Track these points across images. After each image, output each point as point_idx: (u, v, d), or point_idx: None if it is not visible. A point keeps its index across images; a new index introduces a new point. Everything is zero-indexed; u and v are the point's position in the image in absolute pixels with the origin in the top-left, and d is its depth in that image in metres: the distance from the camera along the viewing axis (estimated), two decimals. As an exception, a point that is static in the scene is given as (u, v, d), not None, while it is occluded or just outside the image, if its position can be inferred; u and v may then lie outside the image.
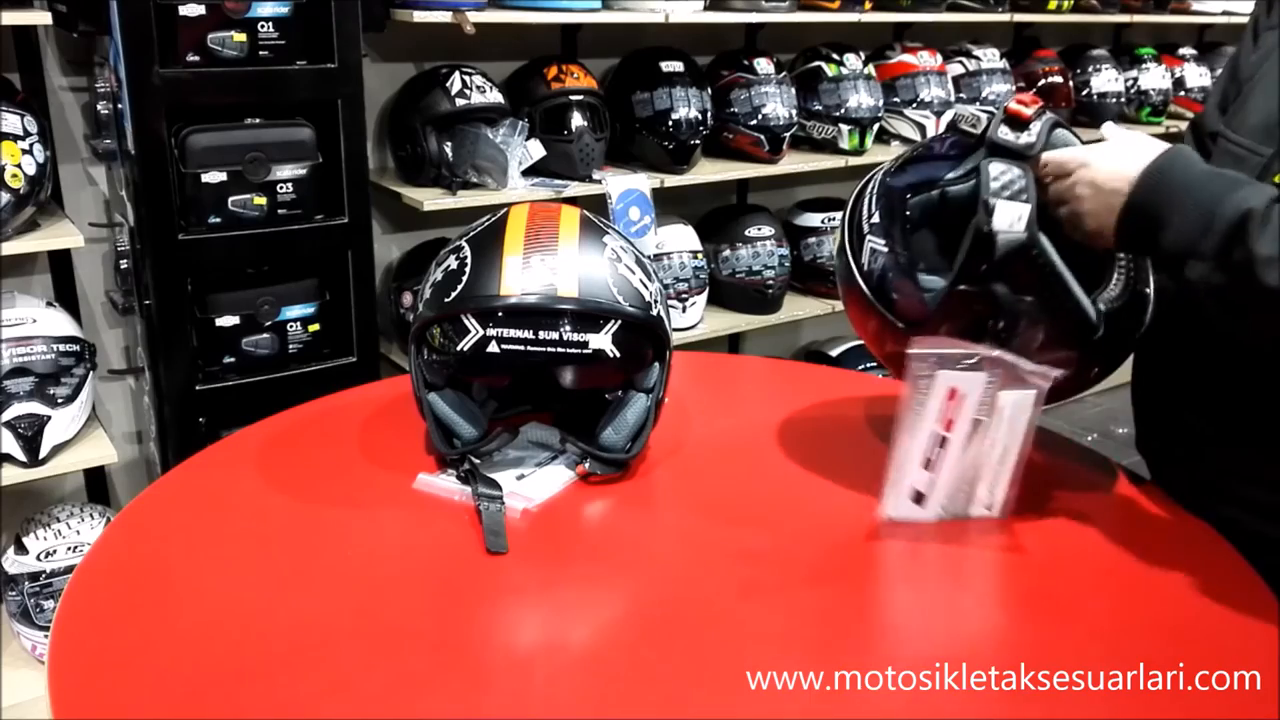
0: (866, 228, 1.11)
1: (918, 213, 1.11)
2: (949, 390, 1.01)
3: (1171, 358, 1.11)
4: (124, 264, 2.19)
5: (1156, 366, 1.15)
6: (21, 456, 1.93)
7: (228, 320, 2.11)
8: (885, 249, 1.09)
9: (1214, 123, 1.14)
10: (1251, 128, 1.04)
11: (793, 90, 2.87)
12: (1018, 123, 1.04)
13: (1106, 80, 3.57)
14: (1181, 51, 3.92)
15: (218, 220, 2.03)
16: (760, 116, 2.79)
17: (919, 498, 1.05)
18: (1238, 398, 1.05)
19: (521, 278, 1.06)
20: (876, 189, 1.13)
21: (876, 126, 3.00)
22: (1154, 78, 3.73)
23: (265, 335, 2.15)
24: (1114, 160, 0.99)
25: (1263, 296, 0.88)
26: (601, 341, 1.07)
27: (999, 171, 1.00)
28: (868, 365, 3.10)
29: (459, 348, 1.06)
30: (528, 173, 2.44)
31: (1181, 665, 0.88)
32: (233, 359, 2.14)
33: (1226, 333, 1.01)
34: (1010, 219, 0.99)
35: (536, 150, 2.42)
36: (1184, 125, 1.27)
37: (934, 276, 1.07)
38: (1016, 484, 1.05)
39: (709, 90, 2.74)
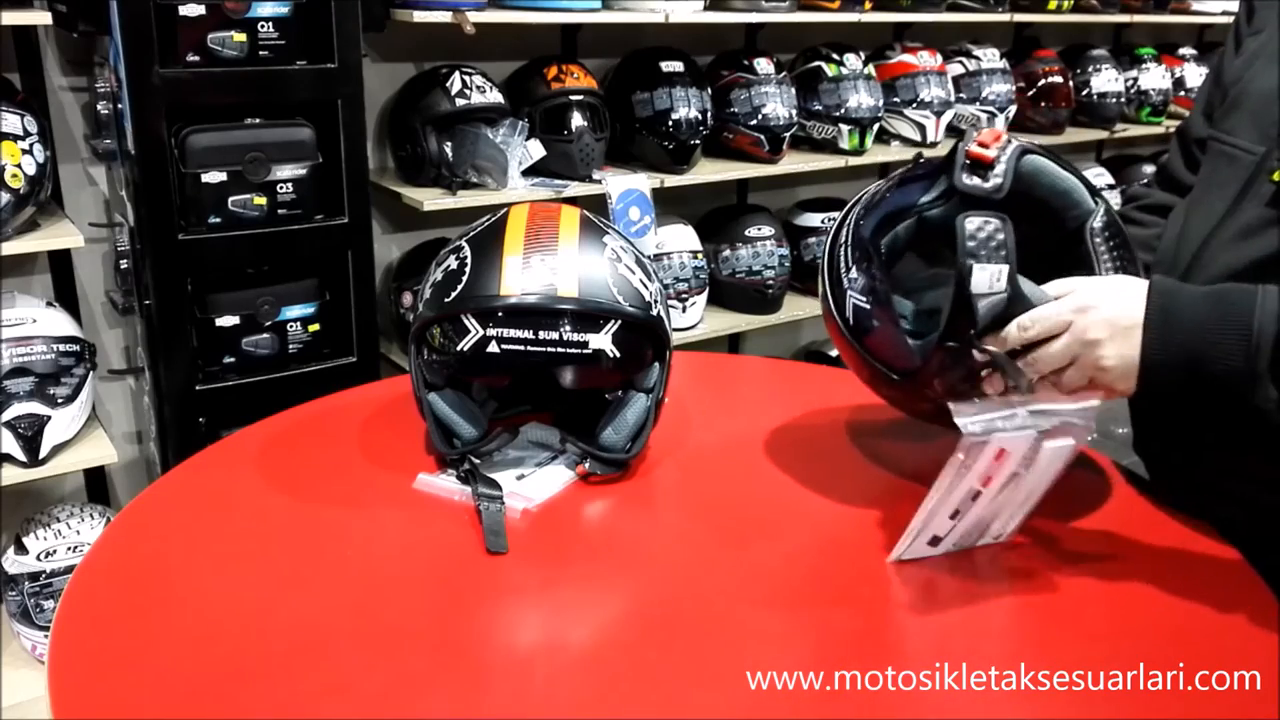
0: (846, 282, 1.08)
1: (900, 243, 1.08)
2: (998, 451, 0.96)
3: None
4: (124, 264, 2.19)
5: None
6: (21, 456, 1.94)
7: (228, 320, 2.11)
8: (867, 305, 1.06)
9: (1200, 129, 1.14)
10: (1244, 128, 1.04)
11: (793, 90, 2.87)
12: (981, 166, 1.00)
13: (1106, 80, 3.57)
14: (1181, 51, 3.92)
15: (218, 220, 2.03)
16: (760, 116, 2.79)
17: (934, 542, 1.01)
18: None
19: (521, 278, 1.06)
20: (851, 238, 1.09)
21: (876, 126, 3.00)
22: (1154, 78, 3.74)
23: (265, 335, 2.15)
24: (1114, 296, 0.94)
25: None
26: (601, 341, 1.07)
27: (974, 228, 0.95)
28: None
29: (459, 348, 1.06)
30: (528, 173, 2.44)
31: (1181, 665, 0.88)
32: (233, 359, 2.14)
33: None
34: (989, 280, 0.96)
35: (536, 150, 2.42)
36: (1176, 129, 1.26)
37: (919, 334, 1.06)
38: (1028, 518, 1.03)
39: (709, 90, 2.74)
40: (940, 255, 1.04)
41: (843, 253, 1.09)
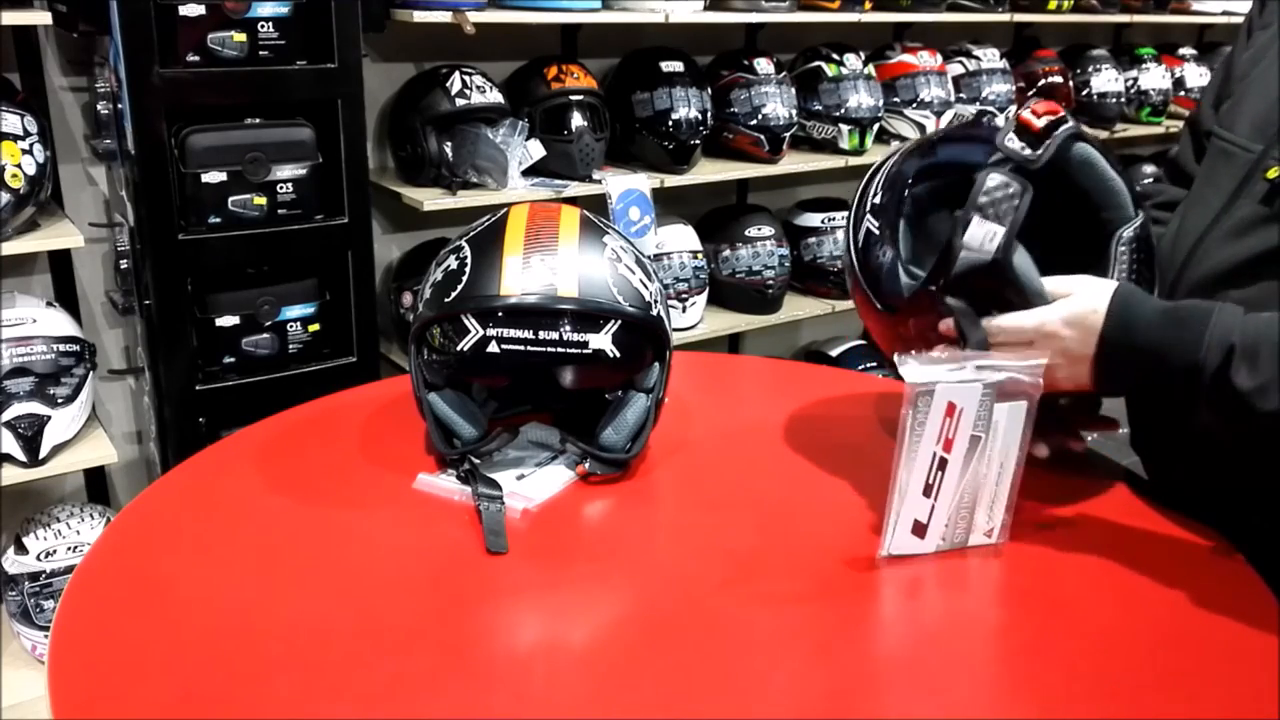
0: (869, 205, 1.10)
1: (934, 198, 1.07)
2: (947, 405, 0.97)
3: None
4: (124, 264, 2.19)
5: None
6: (21, 456, 1.94)
7: (228, 320, 2.11)
8: (877, 231, 1.08)
9: (1209, 121, 1.14)
10: (1243, 125, 1.04)
11: (793, 90, 2.87)
12: (1029, 133, 1.00)
13: (1106, 80, 3.58)
14: (1181, 51, 3.93)
15: (218, 220, 2.03)
16: (760, 116, 2.79)
17: (918, 529, 1.01)
18: None
19: (521, 278, 1.06)
20: (892, 171, 1.10)
21: (876, 126, 3.00)
22: (1154, 78, 3.74)
23: (265, 335, 2.15)
24: (1075, 329, 0.97)
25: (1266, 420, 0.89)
26: (601, 341, 1.07)
27: (992, 184, 0.96)
28: (868, 365, 3.11)
29: (459, 348, 1.06)
30: (528, 173, 2.44)
31: (1181, 666, 0.89)
32: (233, 359, 2.14)
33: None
34: (982, 237, 0.97)
35: (536, 150, 2.43)
36: (1186, 119, 1.26)
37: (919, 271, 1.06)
38: (1012, 507, 1.03)
39: (709, 90, 2.74)
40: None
41: (880, 179, 1.11)
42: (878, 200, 1.09)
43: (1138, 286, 1.02)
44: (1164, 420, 1.14)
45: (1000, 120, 1.08)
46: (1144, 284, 1.05)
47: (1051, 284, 0.99)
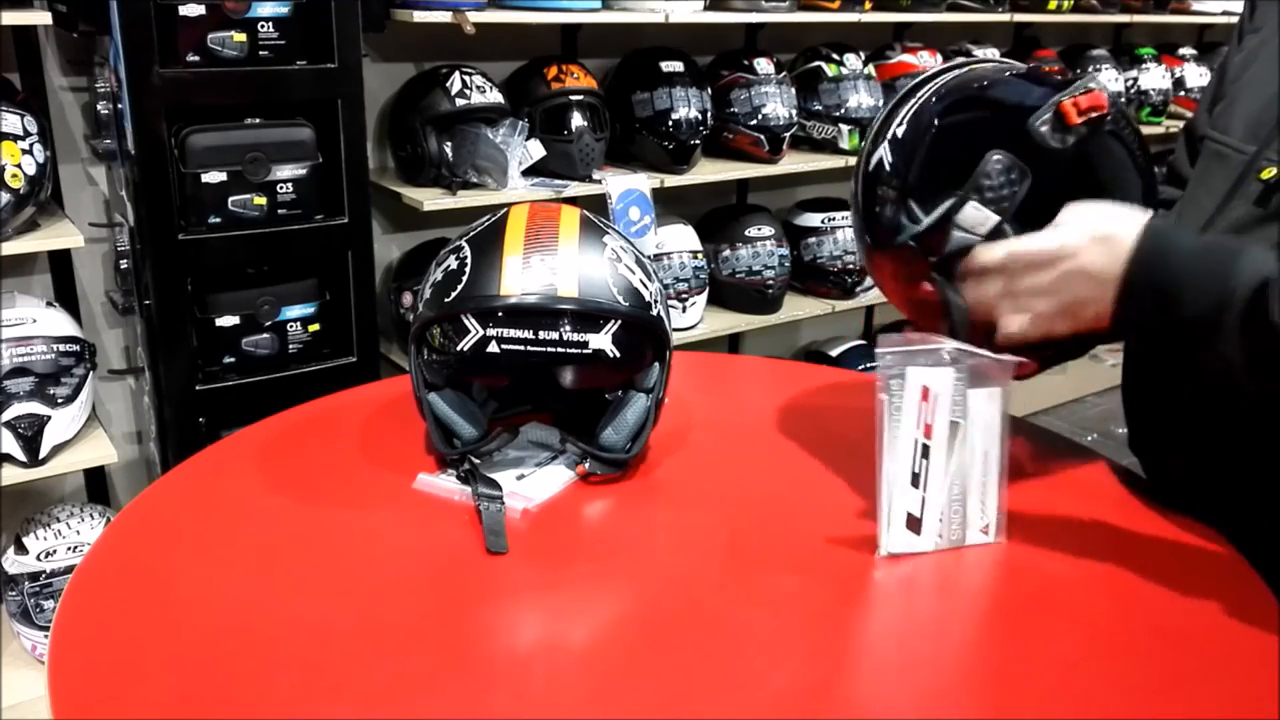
0: (888, 134, 1.05)
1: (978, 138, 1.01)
2: (922, 390, 0.98)
3: (1160, 361, 1.11)
4: (124, 264, 2.19)
5: (1146, 367, 1.15)
6: (21, 456, 1.94)
7: (228, 320, 2.11)
8: (889, 167, 1.04)
9: (1204, 126, 1.14)
10: (1236, 127, 1.04)
11: (793, 90, 2.87)
12: (1062, 122, 0.98)
13: (1106, 80, 3.58)
14: (1181, 51, 3.93)
15: (218, 220, 2.03)
16: (760, 116, 2.79)
17: (912, 523, 1.01)
18: (1229, 399, 1.04)
19: (521, 278, 1.06)
20: (920, 101, 1.04)
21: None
22: (1154, 78, 3.74)
23: (265, 335, 2.15)
24: (1101, 245, 0.93)
25: None
26: (601, 341, 1.07)
27: (995, 168, 0.96)
28: (868, 365, 3.11)
29: (459, 348, 1.06)
30: (528, 173, 2.44)
31: (1181, 666, 0.89)
32: (233, 359, 2.14)
33: (1256, 397, 0.97)
34: (976, 221, 0.97)
35: (536, 150, 2.43)
36: (1183, 125, 1.26)
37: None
38: (1004, 502, 1.03)
39: (709, 90, 2.74)
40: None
41: (908, 111, 1.05)
42: (900, 132, 1.05)
43: None
44: (1163, 420, 1.14)
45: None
46: None
47: (1077, 207, 0.96)
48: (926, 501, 1.00)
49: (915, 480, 1.00)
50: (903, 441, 0.99)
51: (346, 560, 1.01)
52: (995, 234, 0.97)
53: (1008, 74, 1.06)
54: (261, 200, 2.05)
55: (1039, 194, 0.97)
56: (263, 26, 1.99)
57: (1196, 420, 1.08)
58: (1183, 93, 3.84)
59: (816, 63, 2.97)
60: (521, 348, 1.05)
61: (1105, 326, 0.94)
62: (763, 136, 2.80)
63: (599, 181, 2.47)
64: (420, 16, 2.25)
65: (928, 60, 3.12)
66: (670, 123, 2.64)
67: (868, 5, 2.92)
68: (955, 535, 1.02)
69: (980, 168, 0.97)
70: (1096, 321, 0.94)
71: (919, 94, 1.06)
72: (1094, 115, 0.98)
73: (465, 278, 1.07)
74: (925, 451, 0.99)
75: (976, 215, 0.98)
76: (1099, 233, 0.93)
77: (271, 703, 0.81)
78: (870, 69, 3.00)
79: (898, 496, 1.00)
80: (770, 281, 2.89)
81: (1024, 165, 0.97)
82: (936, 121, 1.03)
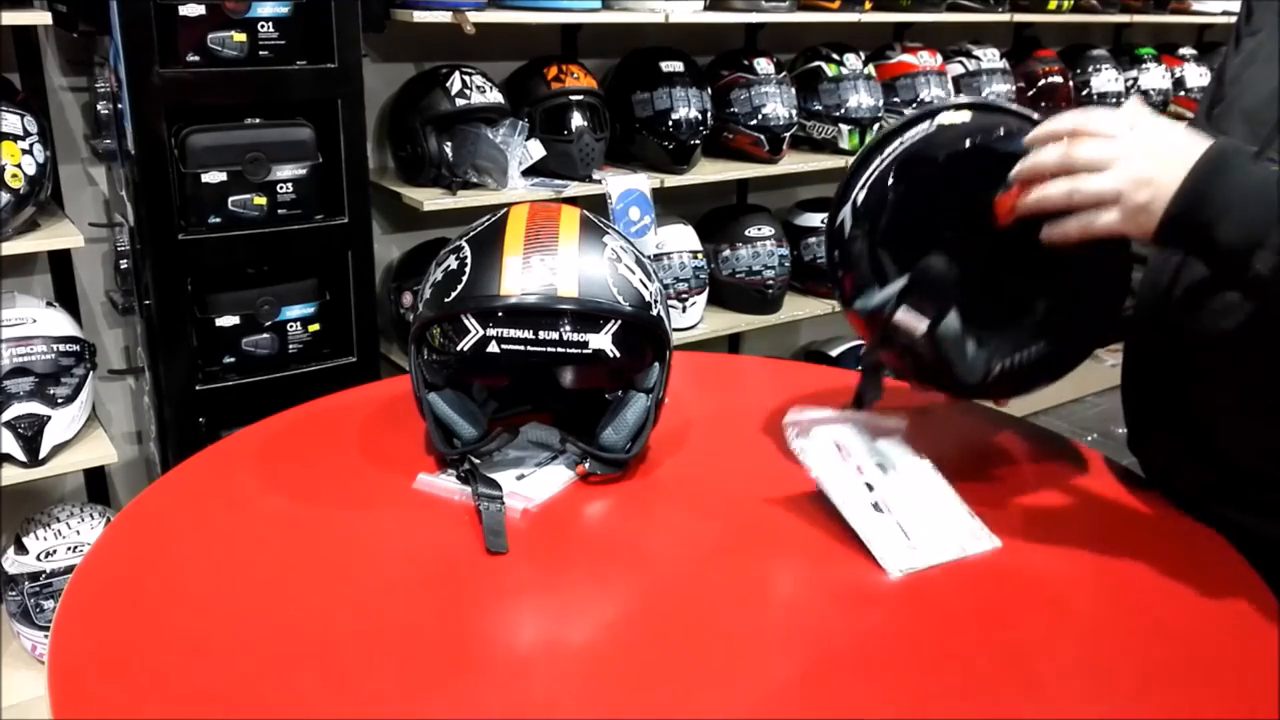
0: (851, 197, 1.07)
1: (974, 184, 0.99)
2: (834, 444, 1.07)
3: (1160, 361, 1.11)
4: (124, 264, 2.19)
5: (1145, 369, 1.15)
6: (21, 456, 1.94)
7: (228, 320, 2.11)
8: (848, 233, 1.07)
9: (1202, 128, 1.14)
10: (1237, 127, 1.04)
11: (793, 90, 2.87)
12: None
13: (1106, 80, 3.58)
14: (1181, 51, 3.93)
15: (218, 220, 2.03)
16: (760, 116, 2.79)
17: (903, 535, 1.02)
18: (1228, 399, 1.04)
19: (521, 278, 1.06)
20: (880, 168, 1.05)
21: (876, 126, 3.00)
22: (1154, 78, 3.74)
23: (265, 335, 2.15)
24: (1169, 132, 0.90)
25: None
26: (601, 341, 1.07)
27: (929, 273, 1.00)
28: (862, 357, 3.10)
29: (459, 348, 1.06)
30: (528, 173, 2.44)
31: (1181, 666, 0.89)
32: (233, 359, 2.14)
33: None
34: (909, 325, 1.02)
35: (536, 150, 2.43)
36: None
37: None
38: (969, 511, 1.06)
39: (709, 90, 2.74)
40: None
41: (868, 177, 1.06)
42: (860, 199, 1.06)
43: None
44: (1163, 420, 1.14)
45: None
46: (1122, 293, 1.06)
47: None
48: (903, 523, 1.03)
49: (878, 508, 1.04)
50: (845, 484, 1.05)
51: (346, 560, 1.01)
52: (932, 332, 1.02)
53: (967, 141, 1.03)
54: (261, 200, 2.05)
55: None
56: (263, 26, 1.99)
57: (1196, 420, 1.08)
58: (1183, 93, 3.84)
59: (816, 63, 2.97)
60: (521, 348, 1.05)
61: (1150, 231, 0.90)
62: (763, 136, 2.80)
63: (599, 181, 2.47)
64: (420, 16, 2.25)
65: (928, 60, 3.12)
66: (670, 123, 2.64)
67: (868, 5, 2.92)
68: (953, 551, 1.03)
69: (917, 270, 1.01)
70: (1143, 220, 0.89)
71: (884, 153, 1.06)
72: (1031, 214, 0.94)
73: (465, 278, 1.07)
74: (871, 486, 1.05)
75: (910, 317, 1.01)
76: (1170, 125, 0.91)
77: (271, 702, 0.81)
78: (870, 69, 3.00)
79: (872, 523, 1.03)
80: (770, 281, 2.89)
81: (956, 271, 1.00)
82: (890, 196, 1.05)
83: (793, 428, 1.05)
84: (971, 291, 1.02)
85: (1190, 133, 0.92)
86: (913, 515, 1.04)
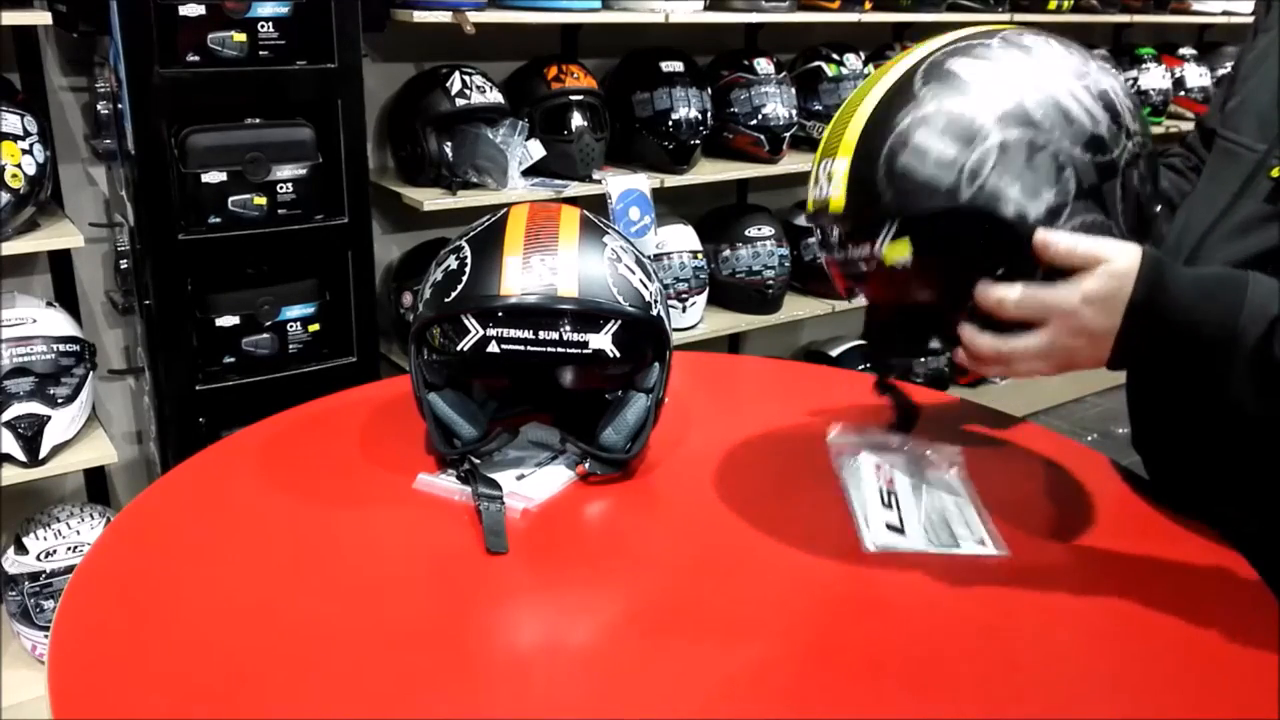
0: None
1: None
2: (875, 464, 1.10)
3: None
4: (124, 264, 2.19)
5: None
6: (21, 456, 1.94)
7: (228, 320, 2.11)
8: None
9: (1215, 121, 1.15)
10: (1248, 126, 1.04)
11: (793, 90, 2.87)
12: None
13: (1106, 80, 3.57)
14: (1181, 51, 3.93)
15: (218, 220, 2.03)
16: (760, 116, 2.79)
17: (896, 528, 1.04)
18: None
19: (521, 278, 1.06)
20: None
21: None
22: (1154, 78, 3.74)
23: (265, 335, 2.15)
24: (1095, 304, 0.88)
25: None
26: (601, 341, 1.07)
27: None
28: (868, 365, 3.11)
29: (459, 348, 1.06)
30: (528, 173, 2.44)
31: (1181, 666, 0.89)
32: (233, 359, 2.14)
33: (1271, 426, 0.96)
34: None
35: (536, 150, 2.43)
36: (1183, 125, 1.27)
37: None
38: (988, 522, 1.06)
39: (709, 90, 2.74)
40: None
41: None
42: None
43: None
44: (1168, 418, 1.14)
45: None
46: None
47: (1072, 241, 0.89)
48: (904, 517, 1.05)
49: (886, 503, 1.07)
50: (866, 487, 1.09)
51: (346, 560, 1.01)
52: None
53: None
54: (261, 200, 2.05)
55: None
56: (263, 26, 1.99)
57: (1201, 418, 1.08)
58: (1183, 93, 3.83)
59: (816, 63, 2.97)
60: (521, 348, 1.05)
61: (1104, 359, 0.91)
62: (763, 136, 2.80)
63: (599, 181, 2.47)
64: (420, 16, 2.25)
65: (928, 60, 3.11)
66: (670, 123, 2.64)
67: (868, 5, 2.92)
68: (947, 541, 1.04)
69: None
70: (1095, 365, 0.92)
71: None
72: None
73: (465, 278, 1.07)
74: (894, 499, 1.08)
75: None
76: (1095, 293, 0.88)
77: (271, 703, 0.81)
78: (870, 69, 3.00)
79: (870, 513, 1.06)
80: (770, 281, 2.89)
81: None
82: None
83: (839, 447, 1.08)
84: None
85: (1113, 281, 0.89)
86: (915, 513, 1.05)
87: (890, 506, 1.06)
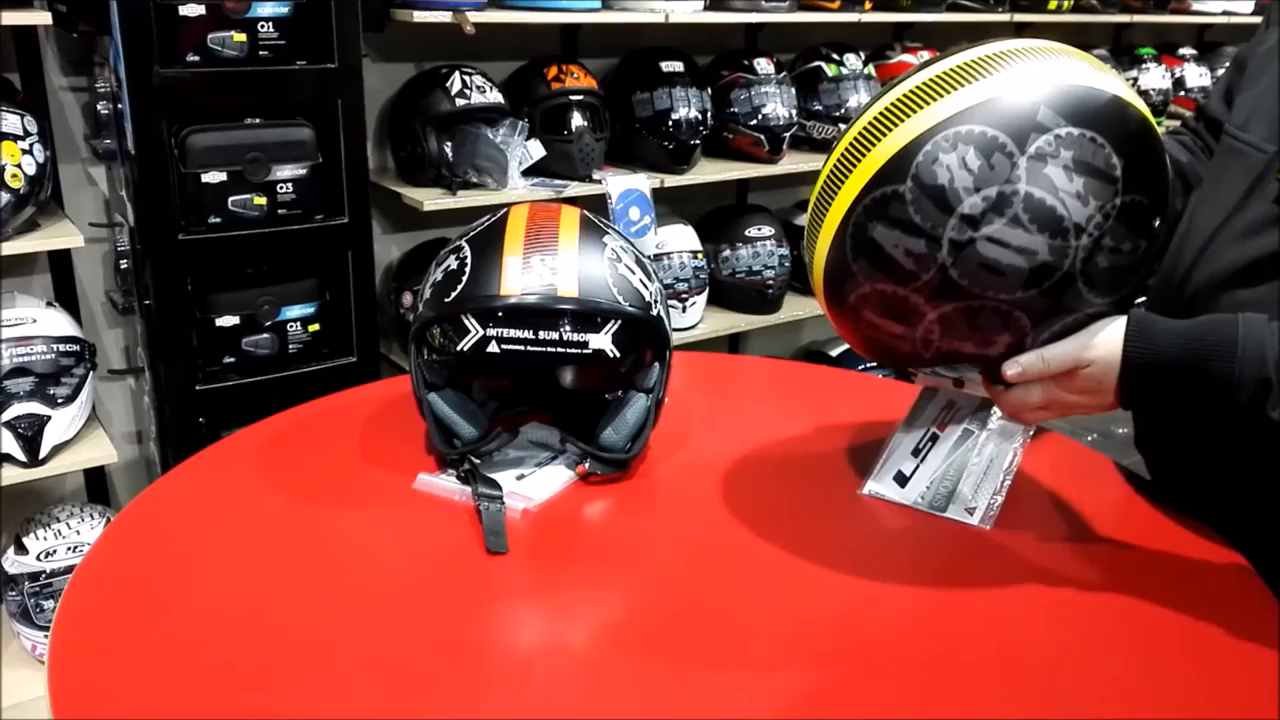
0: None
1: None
2: (947, 402, 1.12)
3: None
4: (124, 264, 2.19)
5: None
6: (21, 456, 1.94)
7: (228, 320, 2.11)
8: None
9: (1219, 111, 1.15)
10: (1257, 126, 1.04)
11: (793, 90, 2.87)
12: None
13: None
14: (1181, 51, 3.93)
15: (218, 220, 2.03)
16: (760, 116, 2.79)
17: (900, 479, 1.11)
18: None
19: (521, 278, 1.06)
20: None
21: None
22: (1154, 78, 3.74)
23: (265, 335, 2.15)
24: (1093, 364, 0.93)
25: None
26: (601, 341, 1.07)
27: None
28: (868, 365, 3.10)
29: (459, 348, 1.06)
30: (528, 173, 2.44)
31: (1181, 666, 0.89)
32: (233, 359, 2.14)
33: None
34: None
35: (536, 150, 2.43)
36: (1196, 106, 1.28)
37: None
38: (1002, 496, 1.07)
39: (709, 90, 2.74)
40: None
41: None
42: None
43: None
44: (1169, 421, 1.14)
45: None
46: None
47: (1042, 364, 0.94)
48: (919, 470, 1.11)
49: (917, 452, 1.11)
50: (918, 426, 1.13)
51: (346, 560, 1.01)
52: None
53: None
54: (261, 200, 2.05)
55: None
56: (263, 26, 1.99)
57: (1203, 420, 1.08)
58: (1183, 93, 3.83)
59: (816, 63, 2.97)
60: (521, 348, 1.05)
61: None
62: (763, 136, 2.80)
63: (599, 181, 2.47)
64: (420, 16, 2.24)
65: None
66: (670, 123, 2.64)
67: (868, 5, 2.92)
68: (939, 503, 1.09)
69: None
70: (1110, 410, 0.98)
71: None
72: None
73: (465, 278, 1.07)
74: (934, 438, 1.12)
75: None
76: (1088, 359, 0.93)
77: (271, 703, 0.81)
78: (870, 69, 3.00)
79: (895, 456, 1.11)
80: (770, 281, 2.89)
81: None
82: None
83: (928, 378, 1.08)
84: None
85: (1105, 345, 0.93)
86: (936, 468, 1.10)
87: (917, 455, 1.12)
